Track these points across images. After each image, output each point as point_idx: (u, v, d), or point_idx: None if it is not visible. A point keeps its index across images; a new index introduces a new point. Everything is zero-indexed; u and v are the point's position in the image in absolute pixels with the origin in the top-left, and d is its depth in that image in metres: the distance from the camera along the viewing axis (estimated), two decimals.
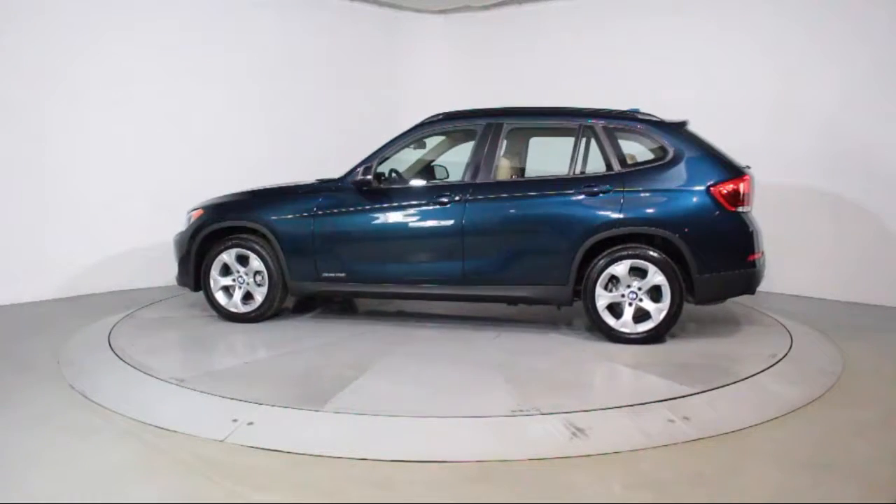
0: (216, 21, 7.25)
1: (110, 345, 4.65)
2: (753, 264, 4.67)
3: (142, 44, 6.71)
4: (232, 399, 3.61)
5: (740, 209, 4.64)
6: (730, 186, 4.63)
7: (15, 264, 6.12)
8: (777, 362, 4.32)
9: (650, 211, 4.69)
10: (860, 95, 6.24)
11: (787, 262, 6.58)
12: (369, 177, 5.07)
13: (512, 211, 4.92)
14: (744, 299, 5.36)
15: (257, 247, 5.28)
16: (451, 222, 4.96)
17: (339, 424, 3.38)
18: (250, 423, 3.35)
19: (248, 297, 5.37)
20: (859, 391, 3.98)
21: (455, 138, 5.60)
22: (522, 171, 5.45)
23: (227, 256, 5.35)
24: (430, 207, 5.01)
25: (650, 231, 4.68)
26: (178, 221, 7.05)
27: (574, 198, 4.81)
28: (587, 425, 3.32)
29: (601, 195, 4.75)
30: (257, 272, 5.31)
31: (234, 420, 3.38)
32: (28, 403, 3.72)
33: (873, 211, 6.25)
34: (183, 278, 5.54)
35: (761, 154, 6.48)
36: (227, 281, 5.38)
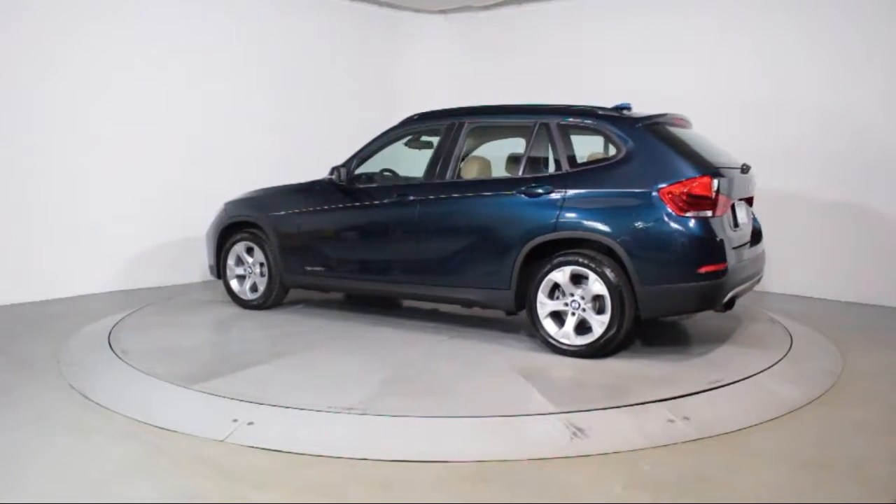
0: (216, 21, 7.25)
1: (110, 345, 4.65)
2: (709, 277, 4.15)
3: (141, 44, 6.70)
4: (232, 399, 3.61)
5: (691, 214, 4.15)
6: (680, 189, 4.16)
7: (15, 264, 6.11)
8: (777, 362, 4.32)
9: (589, 214, 4.35)
10: (859, 94, 6.24)
11: (787, 263, 6.59)
12: (341, 177, 5.31)
13: (458, 212, 4.86)
14: (743, 299, 5.34)
15: (261, 240, 5.69)
16: (406, 222, 5.03)
17: (340, 424, 3.38)
18: (250, 423, 3.35)
19: (255, 286, 5.81)
20: (859, 391, 3.98)
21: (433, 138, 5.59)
22: (488, 170, 5.18)
23: (239, 248, 5.84)
24: (390, 207, 5.13)
25: (588, 236, 4.33)
26: (178, 221, 7.10)
27: (515, 199, 4.59)
28: (587, 425, 3.32)
29: (542, 197, 4.50)
30: (261, 264, 5.73)
31: (234, 420, 3.37)
32: (28, 403, 3.72)
33: (873, 211, 6.25)
34: (210, 267, 6.08)
35: (761, 153, 6.48)
36: (240, 271, 5.88)
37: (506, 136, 5.42)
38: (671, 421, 3.41)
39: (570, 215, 4.40)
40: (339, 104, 8.22)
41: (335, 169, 5.37)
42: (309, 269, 5.52)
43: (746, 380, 3.99)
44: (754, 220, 5.09)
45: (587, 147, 4.77)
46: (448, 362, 4.34)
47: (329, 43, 8.21)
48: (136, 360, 4.29)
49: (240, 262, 5.84)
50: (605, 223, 4.29)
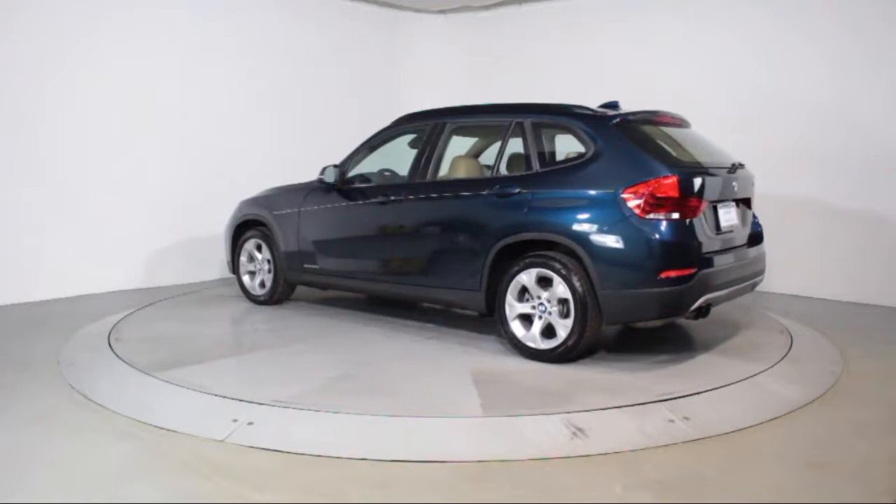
0: (215, 21, 7.25)
1: (110, 345, 4.65)
2: (672, 283, 3.97)
3: (141, 43, 6.71)
4: (232, 399, 3.61)
5: (655, 216, 3.99)
6: (644, 189, 3.99)
7: (15, 264, 6.11)
8: (777, 362, 4.32)
9: (554, 216, 4.26)
10: (860, 94, 6.24)
11: (788, 263, 6.58)
12: (328, 177, 5.43)
13: (433, 212, 4.88)
14: (743, 299, 5.34)
15: (268, 238, 5.89)
16: (388, 222, 5.10)
17: (339, 424, 3.38)
18: (250, 423, 3.35)
19: (263, 283, 6.04)
20: (859, 391, 3.98)
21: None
22: (475, 170, 5.14)
23: (249, 245, 6.06)
24: (375, 207, 5.18)
25: (552, 238, 4.24)
26: (178, 221, 7.10)
27: (486, 200, 4.56)
28: (587, 425, 3.32)
29: (511, 197, 4.44)
30: (268, 261, 5.95)
31: (234, 420, 3.38)
32: (28, 403, 3.72)
33: (874, 210, 6.25)
34: (228, 263, 6.30)
35: (761, 153, 6.49)
36: (251, 267, 6.10)
37: (485, 136, 5.42)
38: (671, 421, 3.41)
39: (536, 216, 4.33)
40: (339, 104, 8.22)
41: (325, 169, 5.50)
42: (307, 266, 5.66)
43: (746, 380, 3.99)
44: (755, 222, 4.94)
45: (569, 146, 4.71)
46: (409, 362, 4.38)
47: (329, 43, 8.20)
48: (137, 359, 4.29)
49: (251, 258, 6.08)
50: (568, 225, 4.18)
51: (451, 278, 4.74)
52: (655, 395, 3.69)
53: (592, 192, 4.18)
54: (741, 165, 4.75)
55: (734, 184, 4.51)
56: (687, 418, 3.44)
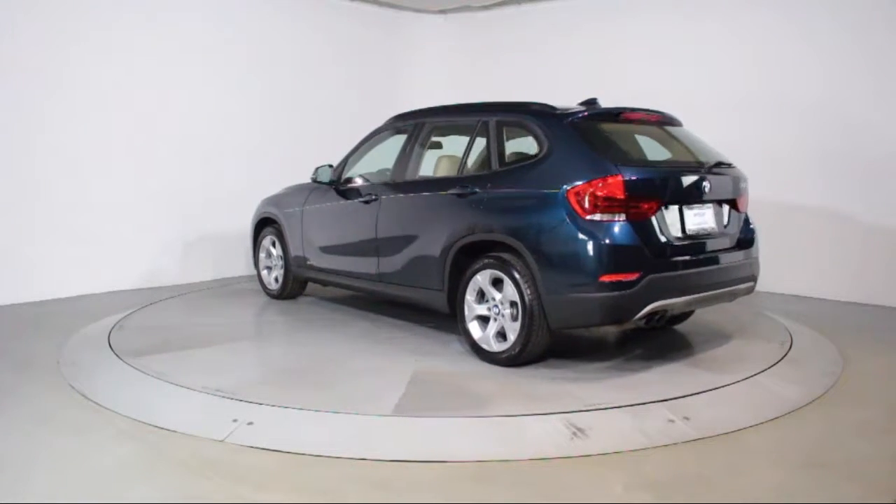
0: (214, 21, 7.25)
1: (110, 345, 4.66)
2: (614, 287, 3.80)
3: (141, 43, 6.71)
4: (232, 399, 3.61)
5: (598, 217, 3.83)
6: (587, 189, 3.84)
7: (14, 264, 6.11)
8: (777, 362, 4.32)
9: (503, 216, 4.20)
10: (860, 95, 6.24)
11: (787, 263, 6.59)
12: (320, 177, 5.63)
13: (405, 211, 4.93)
14: (744, 298, 5.33)
15: (281, 235, 6.12)
16: (369, 221, 5.16)
17: (340, 424, 3.38)
18: (250, 423, 3.35)
19: (277, 278, 6.29)
20: (859, 391, 3.98)
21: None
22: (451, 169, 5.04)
23: (266, 242, 6.31)
24: (360, 206, 5.26)
25: (502, 238, 4.16)
26: (177, 221, 7.10)
27: (447, 199, 4.54)
28: (587, 425, 3.32)
29: (469, 197, 4.40)
30: (280, 256, 6.20)
31: (234, 420, 3.37)
32: (28, 403, 3.72)
33: (874, 210, 6.25)
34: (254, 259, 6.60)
35: (761, 153, 6.50)
36: (268, 262, 6.34)
37: (458, 135, 5.35)
38: (671, 421, 3.41)
39: (488, 217, 4.27)
40: (339, 104, 8.22)
41: (318, 169, 5.67)
42: (308, 263, 5.86)
43: (746, 380, 3.99)
44: (746, 225, 4.63)
45: (531, 145, 4.61)
46: (365, 359, 4.43)
47: (329, 43, 8.21)
48: (136, 359, 4.30)
49: (269, 254, 6.35)
50: (515, 225, 4.11)
51: (418, 277, 4.77)
52: (655, 395, 3.69)
53: (540, 193, 4.06)
54: (728, 165, 4.53)
55: (707, 184, 4.23)
56: (687, 418, 3.44)
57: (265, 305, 6.13)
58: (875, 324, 5.64)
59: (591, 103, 4.61)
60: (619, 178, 3.84)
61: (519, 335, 4.08)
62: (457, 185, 4.53)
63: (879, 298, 6.23)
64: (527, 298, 4.01)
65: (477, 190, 4.38)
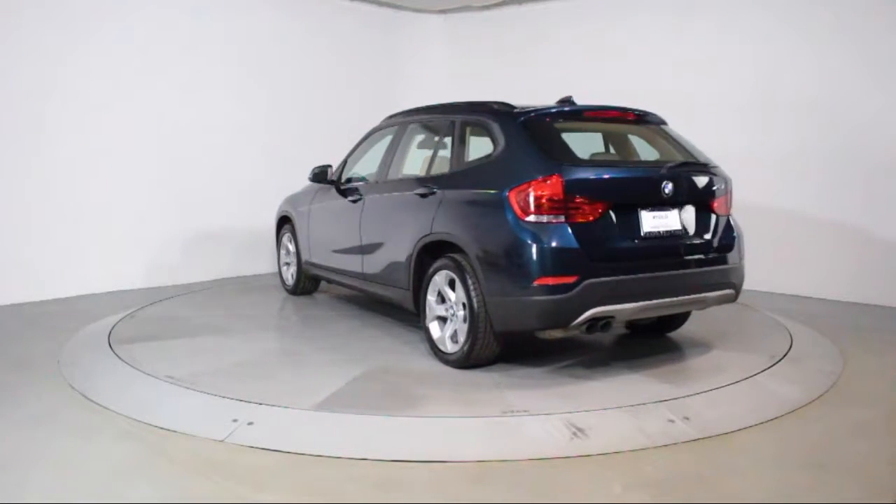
0: (214, 21, 7.25)
1: (110, 345, 4.66)
2: (548, 291, 3.67)
3: (141, 43, 6.71)
4: (232, 399, 3.61)
5: (536, 218, 3.72)
6: (526, 190, 3.75)
7: (14, 264, 6.11)
8: (777, 362, 4.32)
9: (454, 217, 4.17)
10: (860, 95, 6.24)
11: (787, 263, 6.58)
12: (316, 177, 5.80)
13: (380, 211, 5.02)
14: (744, 298, 5.33)
15: (294, 232, 6.34)
16: (355, 220, 5.26)
17: (339, 424, 3.38)
18: (250, 423, 3.35)
19: (293, 274, 6.49)
20: (859, 391, 3.98)
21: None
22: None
23: (285, 240, 6.54)
24: (348, 206, 5.38)
25: (452, 239, 4.12)
26: (176, 221, 7.10)
27: (411, 199, 4.56)
28: (587, 425, 3.32)
29: (428, 197, 4.39)
30: (295, 253, 6.39)
31: (234, 420, 3.37)
32: (28, 403, 3.72)
33: (874, 211, 6.25)
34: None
35: (762, 154, 6.50)
36: (287, 259, 6.55)
37: (433, 135, 5.35)
38: (671, 421, 3.41)
39: (444, 217, 4.24)
40: (339, 104, 8.23)
41: (314, 169, 5.82)
42: (312, 260, 6.05)
43: (746, 380, 3.99)
44: (727, 229, 4.33)
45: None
46: (329, 355, 4.54)
47: (329, 43, 8.21)
48: (137, 359, 4.29)
49: (288, 251, 6.57)
50: (463, 226, 4.08)
51: (391, 276, 4.83)
52: (655, 395, 3.69)
53: (486, 193, 4.00)
54: (702, 165, 4.31)
55: (670, 185, 4.01)
56: (687, 418, 3.44)
57: (271, 302, 6.29)
58: (875, 324, 5.64)
59: (565, 101, 4.52)
60: (558, 178, 3.73)
61: (467, 337, 4.03)
62: (422, 185, 4.55)
63: (879, 298, 6.23)
64: (474, 300, 3.95)
65: (436, 190, 4.38)
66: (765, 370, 4.16)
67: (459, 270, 4.06)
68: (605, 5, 7.70)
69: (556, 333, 3.88)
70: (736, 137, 6.52)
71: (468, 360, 4.08)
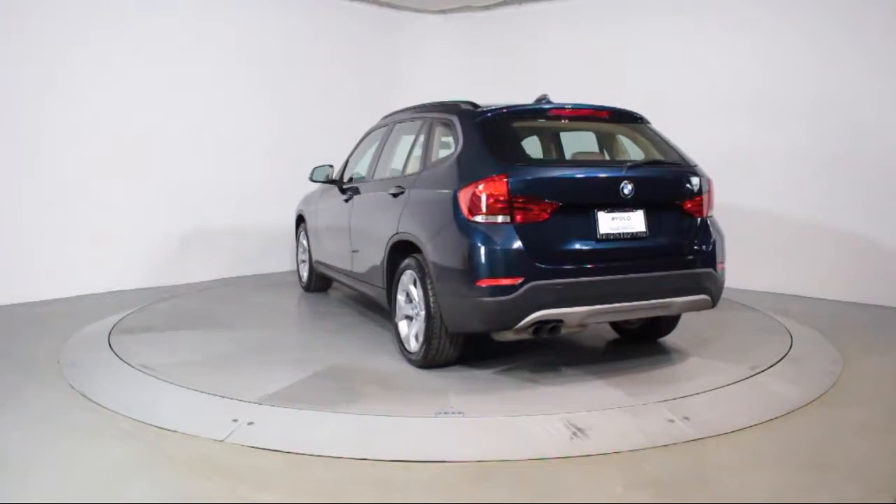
0: (214, 21, 7.25)
1: (110, 345, 4.66)
2: (491, 293, 3.61)
3: (142, 43, 6.71)
4: (232, 399, 3.62)
5: (481, 219, 3.68)
6: (472, 190, 3.72)
7: (15, 264, 6.11)
8: (777, 362, 4.32)
9: (413, 216, 4.18)
10: (860, 95, 6.24)
11: (787, 263, 6.58)
12: (314, 177, 5.92)
13: (363, 210, 5.11)
14: (744, 298, 5.33)
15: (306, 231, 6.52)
16: (346, 219, 5.36)
17: (339, 424, 3.38)
18: (250, 423, 3.35)
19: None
20: (859, 391, 3.98)
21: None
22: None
23: (301, 238, 6.71)
24: (342, 205, 5.47)
25: (409, 238, 4.16)
26: (176, 221, 7.11)
27: (384, 199, 4.60)
28: (587, 425, 3.32)
29: (398, 197, 4.42)
30: (307, 251, 6.56)
31: (234, 420, 3.38)
32: (28, 403, 3.72)
33: (874, 210, 6.24)
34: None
35: (762, 153, 6.50)
36: (304, 257, 6.70)
37: (412, 135, 5.32)
38: (671, 421, 3.41)
39: (407, 216, 4.26)
40: (339, 104, 8.23)
41: (313, 170, 5.92)
42: (317, 259, 6.22)
43: (746, 380, 3.99)
44: (704, 231, 4.13)
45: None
46: (304, 351, 4.76)
47: (329, 43, 8.21)
48: (137, 359, 4.30)
49: (304, 250, 6.70)
50: (418, 226, 4.10)
51: (371, 275, 4.90)
52: (655, 395, 3.69)
53: (441, 193, 3.98)
54: (679, 165, 4.16)
55: (630, 185, 3.85)
56: (687, 418, 3.44)
57: (282, 298, 6.46)
58: (875, 324, 5.64)
59: (541, 100, 4.43)
60: (503, 178, 3.68)
61: (425, 337, 4.03)
62: (396, 184, 4.59)
63: (879, 298, 6.22)
64: (430, 300, 3.94)
65: (405, 189, 4.41)
66: (765, 370, 4.16)
67: (420, 270, 4.06)
68: (606, 5, 7.70)
69: (508, 335, 3.78)
70: (736, 138, 6.52)
71: (426, 360, 4.08)
